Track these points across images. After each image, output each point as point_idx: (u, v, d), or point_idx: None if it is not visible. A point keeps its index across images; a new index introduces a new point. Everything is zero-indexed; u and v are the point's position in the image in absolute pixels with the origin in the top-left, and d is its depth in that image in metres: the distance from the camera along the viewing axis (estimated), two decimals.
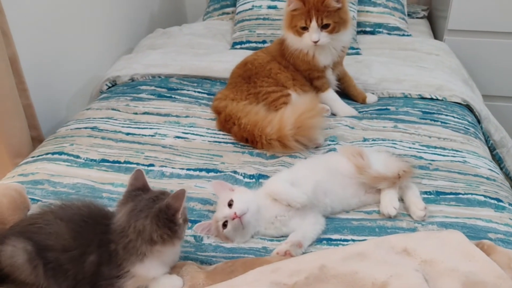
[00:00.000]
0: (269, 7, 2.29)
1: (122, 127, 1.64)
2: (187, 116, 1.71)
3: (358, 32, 2.35)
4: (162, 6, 2.95)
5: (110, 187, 1.34)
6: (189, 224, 1.16)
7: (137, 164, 1.45)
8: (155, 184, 1.35)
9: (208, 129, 1.64)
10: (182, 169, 1.43)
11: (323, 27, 1.60)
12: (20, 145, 1.60)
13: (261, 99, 1.65)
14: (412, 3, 2.86)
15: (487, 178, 1.39)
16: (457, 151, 1.51)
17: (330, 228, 1.19)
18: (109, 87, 2.01)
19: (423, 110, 1.74)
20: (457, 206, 1.26)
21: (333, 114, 1.75)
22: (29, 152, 1.59)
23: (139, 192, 1.00)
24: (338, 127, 1.64)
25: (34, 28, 1.77)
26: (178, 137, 1.59)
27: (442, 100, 1.82)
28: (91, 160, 1.46)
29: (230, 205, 1.15)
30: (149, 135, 1.60)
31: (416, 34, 2.47)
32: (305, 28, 1.61)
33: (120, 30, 2.44)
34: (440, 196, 1.30)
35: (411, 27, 2.51)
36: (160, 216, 0.94)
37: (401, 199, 1.28)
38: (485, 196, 1.30)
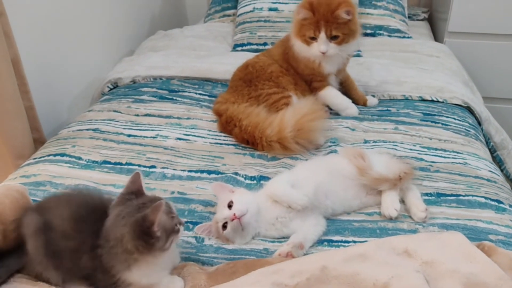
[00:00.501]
0: (270, 9, 2.30)
1: (124, 128, 1.64)
2: (188, 118, 1.72)
3: None
4: (163, 8, 2.96)
5: (111, 189, 1.35)
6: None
7: (139, 165, 1.45)
8: (156, 185, 1.36)
9: (210, 131, 1.65)
10: (184, 170, 1.44)
11: (332, 38, 1.58)
12: (22, 147, 1.61)
13: (262, 101, 1.64)
14: (413, 5, 2.87)
15: (488, 180, 1.39)
16: (457, 153, 1.51)
17: (331, 230, 1.19)
18: (111, 89, 2.02)
19: (424, 112, 1.74)
20: (458, 207, 1.27)
21: (335, 114, 1.75)
22: (31, 153, 1.60)
23: (132, 196, 0.99)
24: (338, 129, 1.65)
25: (36, 30, 1.77)
26: (180, 139, 1.60)
27: (442, 102, 1.82)
28: (93, 161, 1.46)
29: (230, 206, 1.16)
30: (151, 137, 1.60)
31: (417, 36, 2.48)
32: (314, 38, 1.59)
33: (122, 32, 2.44)
34: (441, 197, 1.31)
35: (411, 29, 2.51)
36: (135, 227, 0.92)
37: (402, 201, 1.28)
38: (485, 198, 1.30)
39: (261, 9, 2.31)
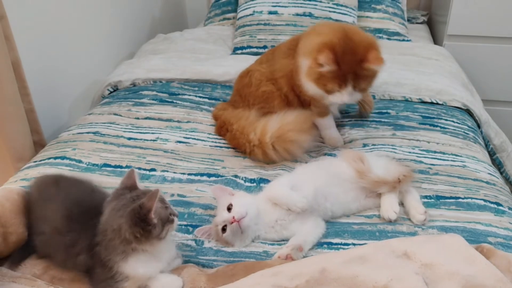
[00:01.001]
0: (270, 12, 2.30)
1: (124, 131, 1.65)
2: (188, 121, 1.72)
3: None
4: (164, 11, 2.97)
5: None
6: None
7: (139, 168, 1.45)
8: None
9: (209, 134, 1.65)
10: (184, 173, 1.44)
11: (358, 89, 1.43)
12: (22, 150, 1.61)
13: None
14: (412, 9, 2.88)
15: (487, 183, 1.39)
16: (456, 155, 1.52)
17: (331, 232, 1.19)
18: (111, 92, 2.02)
19: (423, 114, 1.74)
20: (457, 210, 1.27)
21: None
22: (31, 156, 1.60)
23: (126, 191, 1.01)
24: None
25: (37, 33, 1.78)
26: (180, 142, 1.60)
27: (442, 104, 1.83)
28: (93, 164, 1.47)
29: (229, 209, 1.16)
30: (151, 140, 1.61)
31: (416, 39, 2.49)
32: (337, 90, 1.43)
33: (122, 35, 2.45)
34: (440, 200, 1.31)
35: (411, 32, 2.52)
36: (132, 215, 0.95)
37: (401, 203, 1.29)
38: (485, 200, 1.30)
39: (261, 12, 2.32)
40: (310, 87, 1.46)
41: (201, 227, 1.20)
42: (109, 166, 1.46)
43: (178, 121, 1.72)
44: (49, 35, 1.85)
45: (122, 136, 1.62)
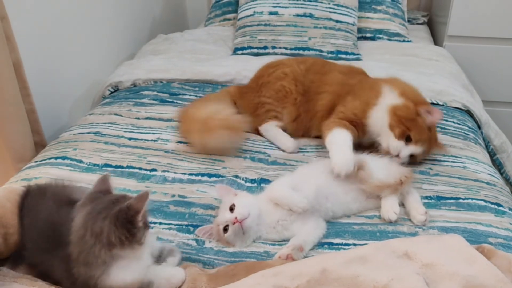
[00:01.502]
0: (271, 13, 2.31)
1: (125, 132, 1.65)
2: None
3: (359, 38, 2.36)
4: (164, 12, 2.97)
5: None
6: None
7: (140, 168, 1.46)
8: (157, 189, 1.37)
9: None
10: (184, 173, 1.44)
11: (411, 156, 1.41)
12: (23, 150, 1.61)
13: (259, 109, 1.66)
14: (412, 9, 2.88)
15: (487, 183, 1.40)
16: (457, 156, 1.52)
17: (332, 233, 1.20)
18: (112, 92, 2.02)
19: None
20: (458, 210, 1.27)
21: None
22: (32, 157, 1.60)
23: (99, 194, 0.97)
24: None
25: (38, 34, 1.78)
26: (181, 142, 1.60)
27: (442, 105, 1.83)
28: (94, 164, 1.47)
29: (231, 209, 1.16)
30: (152, 140, 1.61)
31: (417, 40, 2.49)
32: (408, 140, 1.39)
33: (122, 36, 2.45)
34: (441, 201, 1.31)
35: (411, 33, 2.52)
36: (119, 216, 0.90)
37: (402, 204, 1.29)
38: (485, 201, 1.31)
39: (261, 13, 2.32)
40: (382, 118, 1.41)
41: (202, 226, 1.20)
42: (110, 166, 1.47)
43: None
44: (50, 36, 1.85)
45: (122, 136, 1.62)
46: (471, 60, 2.44)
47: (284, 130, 1.64)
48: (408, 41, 2.41)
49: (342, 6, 2.31)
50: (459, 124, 1.72)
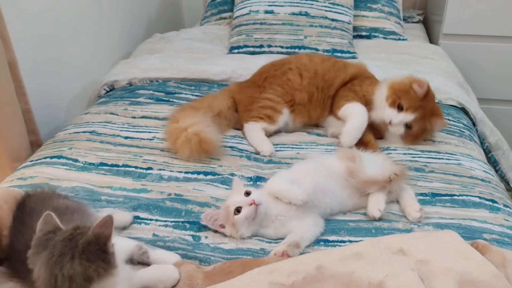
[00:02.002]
0: (266, 11, 2.31)
1: (121, 131, 1.65)
2: None
3: (354, 37, 2.37)
4: (160, 11, 2.97)
5: (108, 191, 1.35)
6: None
7: (135, 167, 1.46)
8: (153, 187, 1.37)
9: None
10: (180, 172, 1.45)
11: (407, 125, 1.53)
12: (19, 150, 1.61)
13: (255, 103, 1.68)
14: (408, 8, 2.89)
15: (482, 180, 1.40)
16: (452, 153, 1.53)
17: (327, 230, 1.20)
18: (107, 92, 2.02)
19: None
20: (453, 207, 1.28)
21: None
22: (27, 156, 1.60)
23: (50, 235, 0.89)
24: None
25: (33, 33, 1.78)
26: None
27: (437, 103, 1.83)
28: (90, 163, 1.47)
29: (247, 193, 1.17)
30: (148, 139, 1.61)
31: (412, 38, 2.50)
32: (400, 108, 1.52)
33: (118, 35, 2.45)
34: (436, 197, 1.32)
35: (406, 31, 2.53)
36: (90, 249, 0.85)
37: (397, 201, 1.30)
38: (480, 198, 1.31)
39: (257, 11, 2.33)
40: (380, 93, 1.58)
41: (208, 211, 1.21)
42: (106, 165, 1.47)
43: None
44: (45, 35, 1.85)
45: (118, 135, 1.62)
46: (466, 58, 2.45)
47: (275, 132, 1.67)
48: (403, 40, 2.42)
49: (337, 5, 2.31)
50: (454, 121, 1.73)
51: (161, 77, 2.03)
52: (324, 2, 2.30)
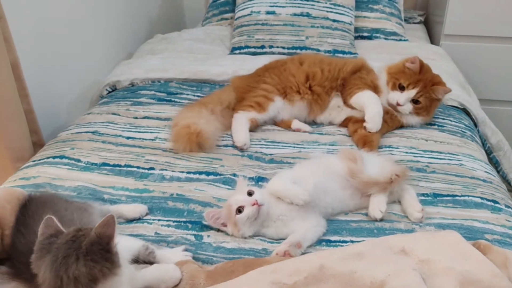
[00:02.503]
0: (268, 12, 2.31)
1: (123, 131, 1.65)
2: None
3: (356, 37, 2.37)
4: (162, 12, 2.97)
5: (111, 190, 1.36)
6: None
7: (138, 167, 1.46)
8: (155, 187, 1.37)
9: None
10: (182, 172, 1.45)
11: (415, 101, 1.61)
12: (21, 150, 1.61)
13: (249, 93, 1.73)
14: (409, 9, 2.89)
15: (484, 181, 1.41)
16: (453, 154, 1.53)
17: (329, 230, 1.20)
18: (109, 92, 2.02)
19: None
20: (454, 207, 1.28)
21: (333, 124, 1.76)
22: (30, 156, 1.60)
23: (52, 239, 0.89)
24: (337, 133, 1.67)
25: (35, 34, 1.78)
26: None
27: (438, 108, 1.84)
28: (92, 163, 1.47)
29: (250, 193, 1.17)
30: (150, 139, 1.61)
31: (413, 39, 2.50)
32: (402, 88, 1.62)
33: (120, 35, 2.46)
34: (437, 198, 1.32)
35: (408, 32, 2.53)
36: (93, 250, 0.86)
37: (399, 202, 1.30)
38: (481, 198, 1.31)
39: (258, 12, 2.33)
40: (382, 79, 1.69)
41: (210, 210, 1.21)
42: (108, 165, 1.47)
43: None
44: (48, 36, 1.86)
45: (120, 135, 1.63)
46: (467, 59, 2.45)
47: (265, 121, 1.73)
48: (404, 40, 2.42)
49: (339, 6, 2.32)
50: (456, 122, 1.73)
51: (163, 77, 2.03)
52: (326, 3, 2.31)
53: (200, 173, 1.45)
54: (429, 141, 1.60)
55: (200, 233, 1.20)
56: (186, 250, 1.12)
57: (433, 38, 2.65)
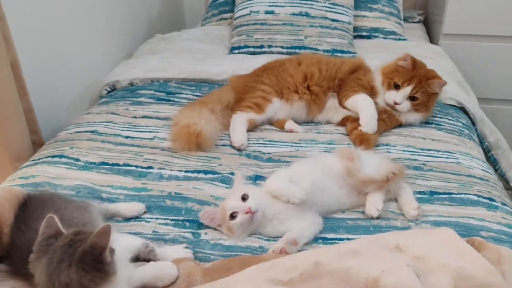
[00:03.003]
0: (267, 12, 2.32)
1: (122, 130, 1.66)
2: None
3: (355, 37, 2.37)
4: (161, 12, 2.98)
5: (109, 189, 1.36)
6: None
7: (136, 166, 1.47)
8: (153, 186, 1.38)
9: None
10: (180, 171, 1.46)
11: (412, 98, 1.62)
12: (21, 149, 1.62)
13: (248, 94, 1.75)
14: (408, 8, 2.90)
15: (480, 179, 1.41)
16: (450, 152, 1.54)
17: (326, 228, 1.21)
18: (109, 92, 2.03)
19: None
20: (451, 205, 1.29)
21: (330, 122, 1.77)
22: (29, 156, 1.61)
23: (51, 240, 0.90)
24: (335, 132, 1.68)
25: (35, 33, 1.79)
26: None
27: (437, 102, 1.84)
28: (91, 163, 1.48)
29: (244, 198, 1.17)
30: (148, 139, 1.62)
31: (413, 38, 2.50)
32: (397, 87, 1.63)
33: (120, 35, 2.47)
34: (434, 196, 1.33)
35: (407, 31, 2.54)
36: (85, 259, 0.86)
37: (395, 199, 1.31)
38: (478, 196, 1.32)
39: (257, 12, 2.34)
40: (377, 80, 1.69)
41: (206, 210, 1.21)
42: (107, 164, 1.48)
43: None
44: (47, 36, 1.87)
45: (119, 135, 1.63)
46: (466, 58, 2.45)
47: (263, 122, 1.73)
48: (403, 40, 2.42)
49: (338, 5, 2.32)
50: (453, 120, 1.74)
51: (162, 77, 2.04)
52: (324, 3, 2.31)
53: (198, 172, 1.46)
54: (427, 139, 1.61)
55: (197, 231, 1.20)
56: (186, 248, 1.13)
57: (432, 37, 2.65)
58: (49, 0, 1.87)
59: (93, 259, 0.86)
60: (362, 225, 1.22)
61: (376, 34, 2.43)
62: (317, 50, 2.23)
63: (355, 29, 2.40)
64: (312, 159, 1.40)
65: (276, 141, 1.63)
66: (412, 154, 1.53)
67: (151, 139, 1.62)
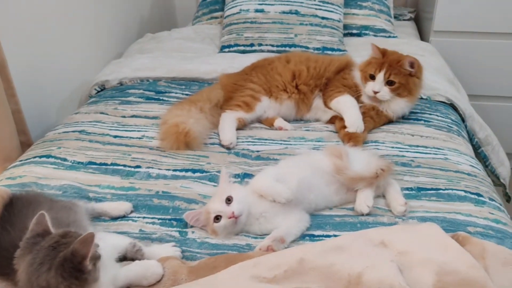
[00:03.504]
0: (256, 10, 2.32)
1: (110, 130, 1.66)
2: None
3: (345, 35, 2.38)
4: (152, 11, 2.97)
5: (96, 189, 1.36)
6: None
7: (124, 166, 1.46)
8: (141, 185, 1.37)
9: None
10: (169, 170, 1.45)
11: (389, 83, 1.62)
12: (9, 150, 1.61)
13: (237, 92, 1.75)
14: (399, 6, 2.90)
15: (468, 174, 1.41)
16: (439, 148, 1.54)
17: (313, 225, 1.21)
18: (98, 92, 2.03)
19: None
20: (438, 201, 1.29)
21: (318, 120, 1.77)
22: (17, 156, 1.60)
23: (38, 239, 0.89)
24: (324, 130, 1.68)
25: (23, 33, 1.78)
26: None
27: (426, 99, 1.85)
28: (78, 162, 1.47)
29: (228, 200, 1.16)
30: (137, 138, 1.62)
31: (403, 36, 2.51)
32: (373, 77, 1.63)
33: (110, 35, 2.46)
34: (421, 191, 1.33)
35: (398, 29, 2.54)
36: (65, 265, 0.84)
37: (383, 196, 1.31)
38: (465, 191, 1.32)
39: (247, 10, 2.33)
40: (357, 77, 1.71)
41: (190, 211, 1.21)
42: (94, 164, 1.47)
43: None
44: (36, 35, 1.85)
45: (108, 134, 1.63)
46: (457, 55, 2.46)
47: (252, 120, 1.73)
48: (394, 37, 2.42)
49: (327, 3, 2.32)
50: (442, 117, 1.74)
51: (152, 76, 2.04)
52: (314, 0, 2.31)
53: (187, 170, 1.45)
54: (415, 136, 1.61)
55: (184, 230, 1.20)
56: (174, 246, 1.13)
57: (423, 35, 2.66)
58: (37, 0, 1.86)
59: (73, 267, 0.84)
60: (349, 221, 1.22)
61: (367, 32, 2.43)
62: (307, 48, 2.23)
63: (345, 27, 2.40)
64: (300, 157, 1.40)
65: (265, 139, 1.63)
66: (400, 151, 1.53)
67: (139, 138, 1.62)
